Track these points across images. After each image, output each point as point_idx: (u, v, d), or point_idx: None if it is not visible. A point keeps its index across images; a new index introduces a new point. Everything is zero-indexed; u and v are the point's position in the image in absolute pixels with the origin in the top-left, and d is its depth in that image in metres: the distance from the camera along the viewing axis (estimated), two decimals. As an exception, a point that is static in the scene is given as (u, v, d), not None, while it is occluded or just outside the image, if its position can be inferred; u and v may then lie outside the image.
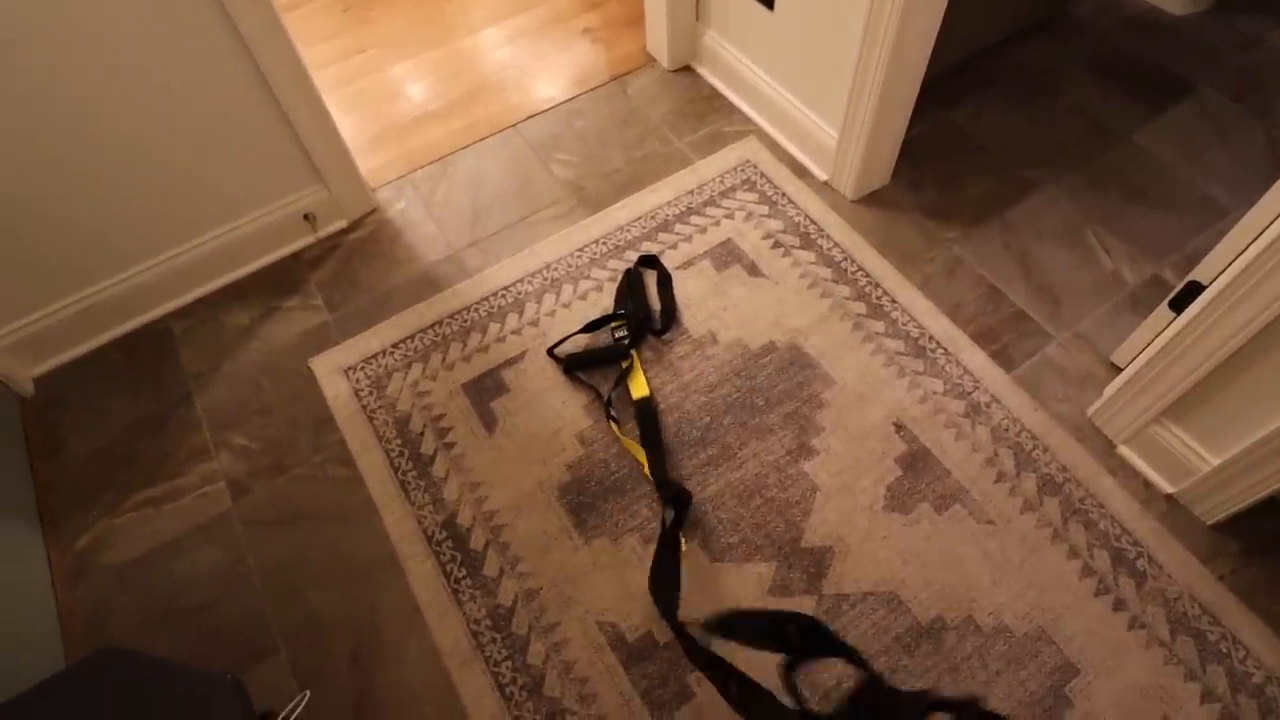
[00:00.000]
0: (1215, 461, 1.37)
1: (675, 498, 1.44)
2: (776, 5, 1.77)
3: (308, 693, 0.92)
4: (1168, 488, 1.47)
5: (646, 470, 1.50)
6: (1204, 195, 1.86)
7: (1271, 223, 1.19)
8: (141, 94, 1.45)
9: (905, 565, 1.41)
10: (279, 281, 1.81)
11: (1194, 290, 1.39)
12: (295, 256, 1.85)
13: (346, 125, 2.11)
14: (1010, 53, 2.18)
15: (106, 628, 1.40)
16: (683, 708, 1.29)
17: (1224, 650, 1.32)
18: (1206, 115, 2.01)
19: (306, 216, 1.80)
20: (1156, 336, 1.47)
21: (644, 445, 1.53)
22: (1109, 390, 1.51)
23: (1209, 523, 1.44)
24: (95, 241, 1.60)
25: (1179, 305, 1.42)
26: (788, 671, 1.24)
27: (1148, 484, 1.48)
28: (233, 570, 1.45)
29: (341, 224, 1.88)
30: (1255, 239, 1.24)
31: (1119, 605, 1.36)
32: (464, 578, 1.42)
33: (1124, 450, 1.52)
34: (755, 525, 1.46)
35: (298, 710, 0.89)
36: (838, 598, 1.38)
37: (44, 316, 1.63)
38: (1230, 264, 1.27)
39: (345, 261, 1.84)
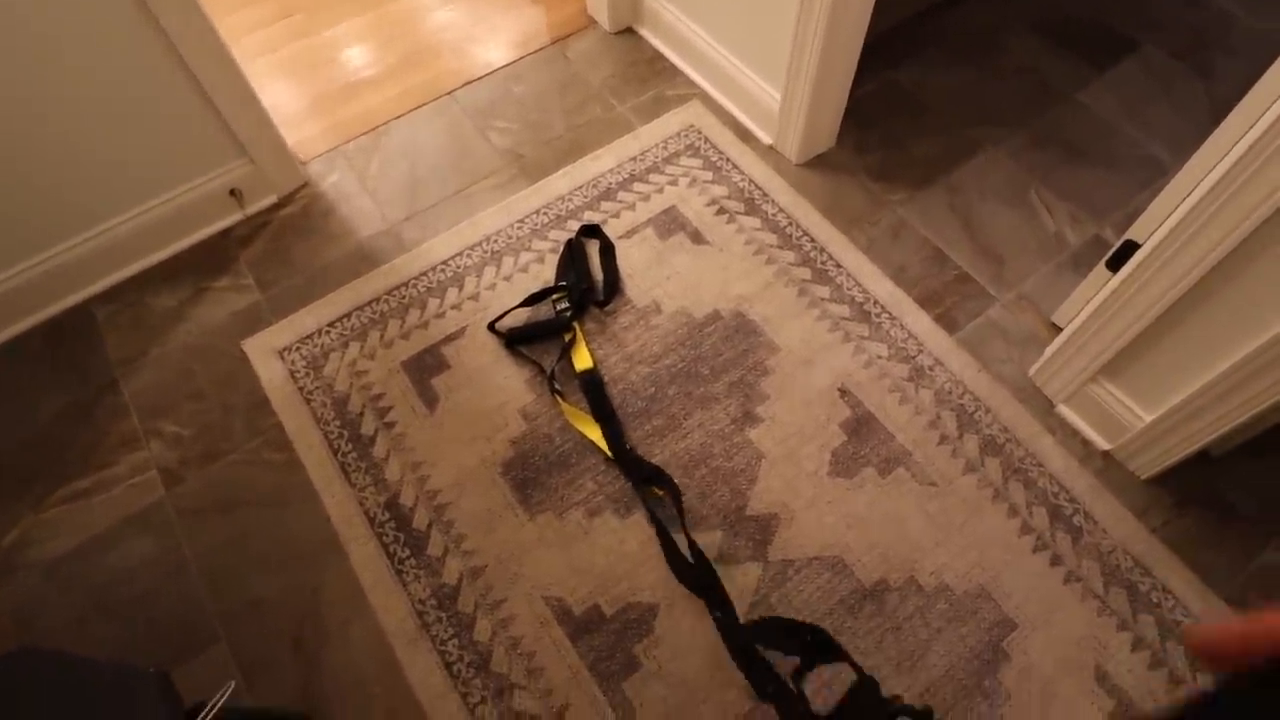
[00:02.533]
0: (1149, 418, 1.39)
1: (650, 477, 1.43)
2: (716, -37, 1.73)
3: (232, 683, 0.90)
4: (1104, 445, 1.50)
5: (604, 447, 1.47)
6: (1146, 154, 1.87)
7: (1201, 180, 1.19)
8: (39, 65, 1.36)
9: (849, 529, 1.42)
10: (207, 261, 1.74)
11: (1130, 249, 1.39)
12: (224, 234, 1.78)
13: (273, 94, 2.02)
14: (956, 11, 2.15)
15: (36, 625, 1.36)
16: (630, 678, 1.29)
17: (1154, 600, 1.35)
18: (1150, 73, 2.01)
19: (232, 192, 1.73)
20: (1094, 296, 1.48)
21: (597, 420, 1.51)
22: (1048, 350, 1.52)
23: (1143, 477, 1.47)
24: (7, 223, 1.52)
25: (1115, 264, 1.43)
26: (796, 676, 1.27)
27: (1085, 442, 1.51)
28: (168, 560, 1.41)
29: (271, 199, 1.81)
30: (1186, 197, 1.25)
31: (1056, 561, 1.39)
32: (408, 558, 1.40)
33: (1063, 409, 1.53)
34: (701, 495, 1.45)
35: (222, 701, 0.86)
36: (783, 563, 1.39)
37: (-44, 303, 1.55)
38: (1163, 223, 1.28)
39: (276, 238, 1.77)
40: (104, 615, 1.37)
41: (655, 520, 1.41)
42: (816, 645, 1.28)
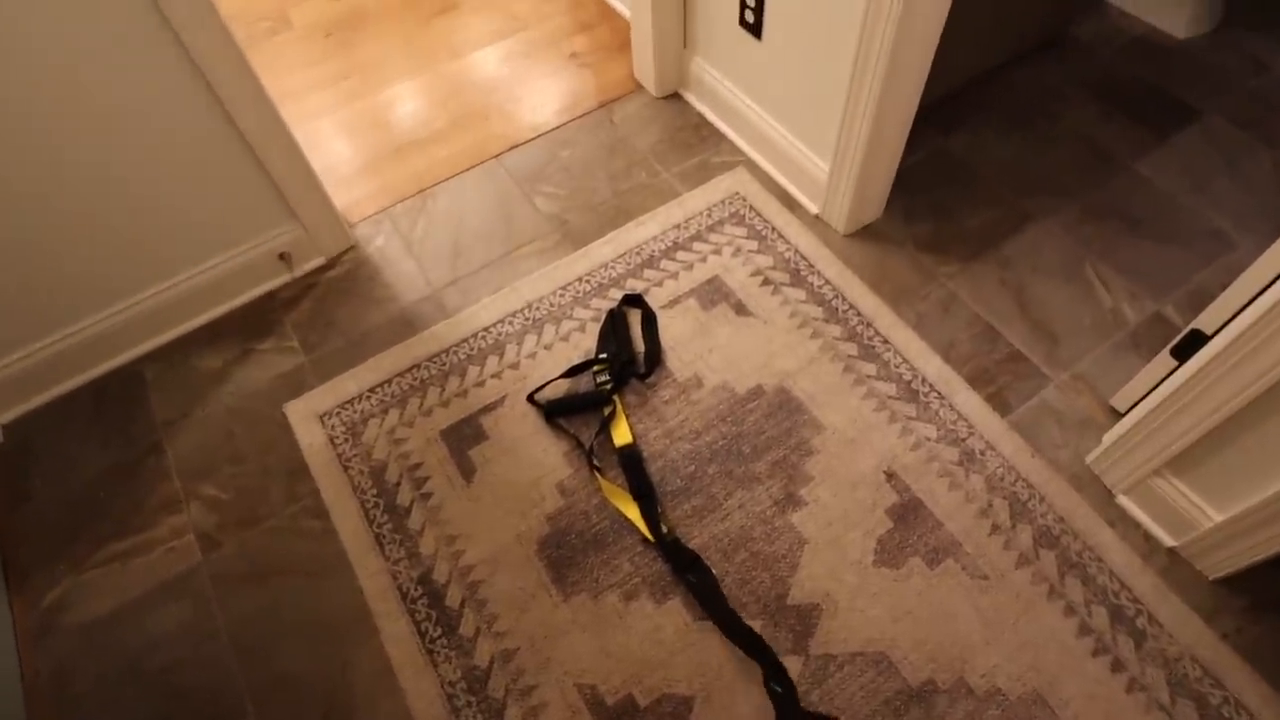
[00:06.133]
0: (1219, 518, 1.31)
1: (688, 565, 1.40)
2: (765, 34, 1.72)
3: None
4: (1169, 541, 1.42)
5: (643, 528, 1.44)
6: (1209, 228, 1.80)
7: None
8: (102, 133, 1.40)
9: (895, 623, 1.36)
10: (253, 323, 1.76)
11: (1196, 339, 1.33)
12: (270, 296, 1.80)
13: (326, 156, 2.06)
14: (1009, 77, 2.12)
15: (72, 690, 1.36)
16: (663, 777, 1.24)
17: (1226, 715, 1.26)
18: (1212, 142, 1.95)
19: (282, 256, 1.75)
20: (1157, 386, 1.41)
21: (635, 498, 1.48)
22: (1108, 438, 1.45)
23: (1212, 578, 1.38)
24: (65, 285, 1.56)
25: (1181, 354, 1.36)
26: None
27: (1148, 536, 1.43)
28: (201, 628, 1.41)
29: (318, 262, 1.83)
30: (1263, 291, 1.19)
31: (1117, 666, 1.31)
32: (439, 637, 1.38)
33: (1123, 500, 1.46)
34: (740, 581, 1.41)
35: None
36: (825, 658, 1.33)
37: (12, 363, 1.58)
38: (1236, 315, 1.22)
39: (321, 301, 1.79)
40: (137, 682, 1.36)
41: (700, 600, 1.36)
42: None
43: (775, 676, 1.29)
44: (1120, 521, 1.44)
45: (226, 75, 1.43)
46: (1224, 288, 1.28)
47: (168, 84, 1.40)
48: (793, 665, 1.32)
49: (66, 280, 1.55)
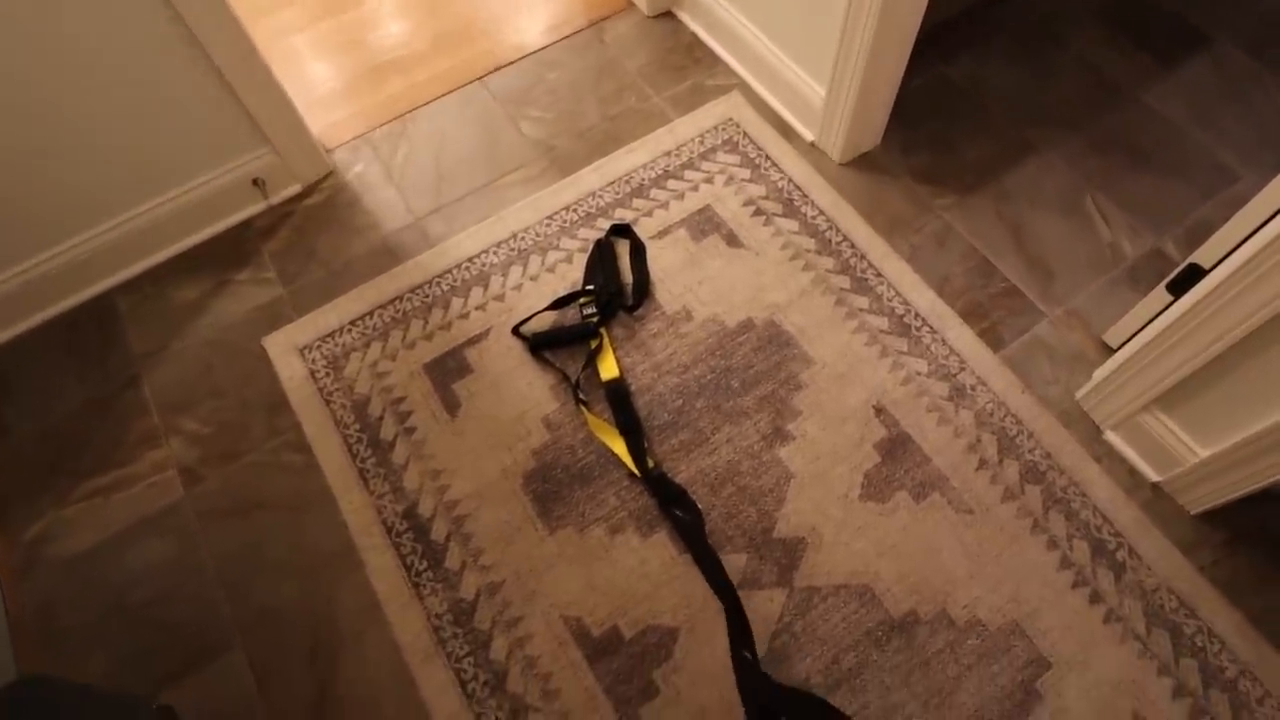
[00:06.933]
0: (1205, 454, 1.31)
1: (674, 498, 1.39)
2: (760, -52, 1.63)
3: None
4: (1153, 476, 1.42)
5: (629, 462, 1.43)
6: (1214, 161, 1.75)
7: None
8: (53, 54, 1.32)
9: (880, 557, 1.37)
10: (229, 252, 1.71)
11: (1194, 274, 1.30)
12: (246, 225, 1.74)
13: (302, 77, 1.97)
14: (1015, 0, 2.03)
15: (57, 624, 1.36)
16: (648, 704, 1.27)
17: (1199, 644, 1.29)
18: (1222, 72, 1.88)
19: (256, 182, 1.68)
20: (1151, 320, 1.39)
21: (622, 433, 1.46)
22: (1098, 374, 1.44)
23: (1193, 512, 1.39)
24: (28, 214, 1.49)
25: (1177, 289, 1.34)
26: None
27: (1133, 471, 1.43)
28: (186, 563, 1.40)
29: (295, 189, 1.77)
30: (1263, 225, 1.16)
31: (1096, 598, 1.33)
32: (425, 570, 1.38)
33: (1110, 436, 1.46)
34: (726, 514, 1.41)
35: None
36: (809, 590, 1.34)
37: (-22, 292, 1.54)
38: (1234, 250, 1.19)
39: (300, 230, 1.73)
40: (121, 617, 1.37)
41: (685, 538, 1.37)
42: None
43: (744, 641, 1.29)
44: (1106, 457, 1.45)
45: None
46: (1225, 222, 1.25)
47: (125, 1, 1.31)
48: (777, 597, 1.34)
49: (29, 209, 1.49)
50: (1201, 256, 1.31)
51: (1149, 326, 1.32)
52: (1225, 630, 1.30)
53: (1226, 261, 1.13)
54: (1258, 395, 1.19)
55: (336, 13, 2.09)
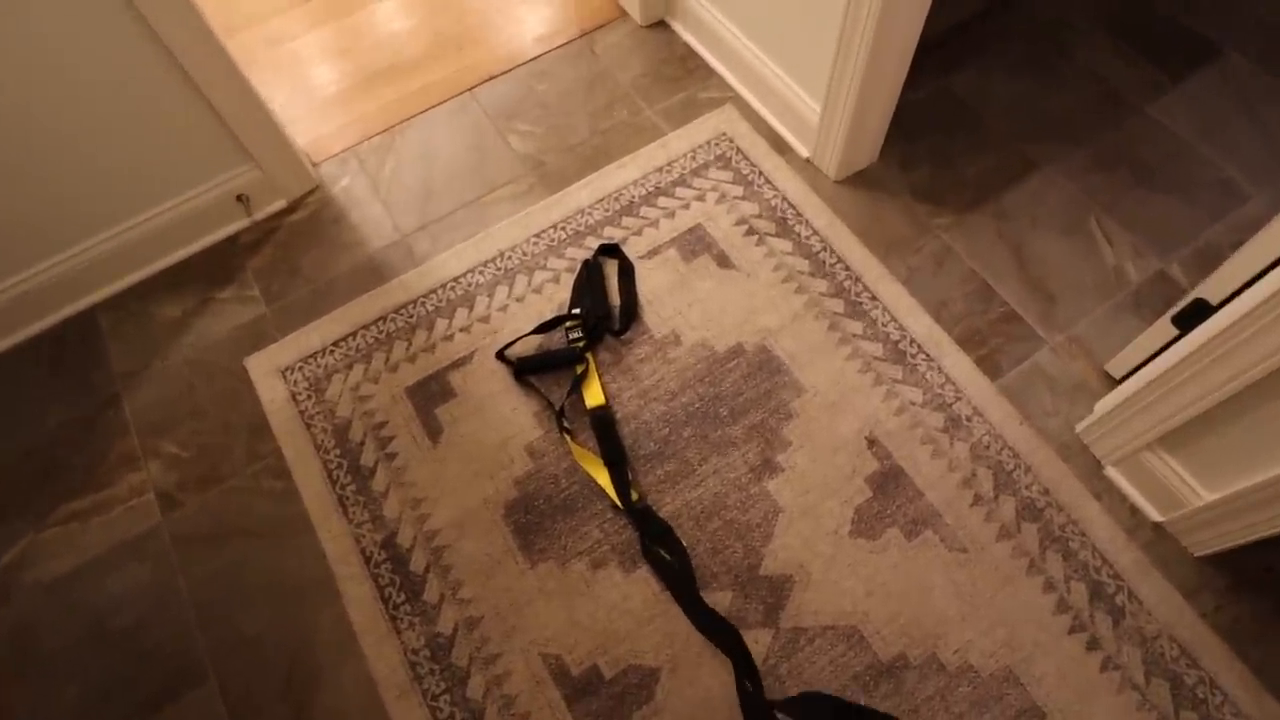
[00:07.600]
0: (1210, 497, 1.26)
1: (659, 536, 1.36)
2: (757, -41, 1.58)
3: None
4: (1156, 516, 1.37)
5: (613, 495, 1.40)
6: (1221, 178, 1.69)
7: (1293, 249, 1.05)
8: (35, 71, 1.29)
9: (869, 596, 1.33)
10: (213, 269, 1.68)
11: (1199, 309, 1.25)
12: (231, 240, 1.71)
13: (290, 89, 1.93)
14: (1020, 6, 1.96)
15: (33, 649, 1.35)
16: (627, 747, 1.24)
17: (1200, 695, 1.24)
18: (1231, 84, 1.81)
19: (240, 198, 1.65)
20: (1156, 355, 1.34)
21: (606, 464, 1.43)
22: (1100, 407, 1.39)
23: (1197, 554, 1.34)
24: (8, 230, 1.47)
25: (1183, 323, 1.28)
26: None
27: (1134, 510, 1.38)
28: (162, 589, 1.38)
29: (280, 204, 1.73)
30: (1272, 266, 1.10)
31: (1093, 644, 1.28)
32: (403, 603, 1.35)
33: (1111, 472, 1.41)
34: (712, 550, 1.37)
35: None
36: (795, 631, 1.31)
37: (-42, 311, 1.52)
38: (1243, 287, 1.13)
39: (284, 246, 1.70)
40: (98, 643, 1.35)
41: (666, 582, 1.33)
42: None
43: (747, 673, 1.26)
44: (1107, 494, 1.40)
45: (161, 5, 1.31)
46: (1233, 247, 1.20)
47: (97, 16, 1.28)
48: (762, 638, 1.30)
49: (11, 226, 1.47)
50: (1208, 291, 1.25)
51: (1153, 363, 1.26)
52: (1228, 683, 1.25)
53: (1237, 302, 1.08)
54: (1267, 443, 1.13)
55: (326, 22, 2.05)
